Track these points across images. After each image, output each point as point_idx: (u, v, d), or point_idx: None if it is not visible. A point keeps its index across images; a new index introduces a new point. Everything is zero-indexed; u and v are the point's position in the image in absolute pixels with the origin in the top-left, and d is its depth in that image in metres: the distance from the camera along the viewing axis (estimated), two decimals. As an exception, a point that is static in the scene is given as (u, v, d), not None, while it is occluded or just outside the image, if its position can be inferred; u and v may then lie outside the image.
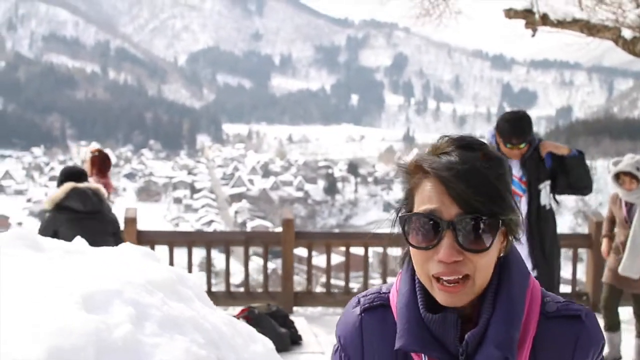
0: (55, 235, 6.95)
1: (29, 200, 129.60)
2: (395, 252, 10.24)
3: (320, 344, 7.94)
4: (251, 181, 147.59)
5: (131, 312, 3.24)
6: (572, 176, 6.17)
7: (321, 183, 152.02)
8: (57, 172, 7.49)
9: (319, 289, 11.06)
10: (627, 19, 8.98)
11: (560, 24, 9.44)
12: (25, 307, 3.06)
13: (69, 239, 6.96)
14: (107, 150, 9.23)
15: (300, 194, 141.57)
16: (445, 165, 1.64)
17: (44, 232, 7.00)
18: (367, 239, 9.83)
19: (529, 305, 1.73)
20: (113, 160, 9.63)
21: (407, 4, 12.01)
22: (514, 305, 1.69)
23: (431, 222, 1.64)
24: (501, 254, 1.72)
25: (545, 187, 6.13)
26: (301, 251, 10.80)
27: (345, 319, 1.87)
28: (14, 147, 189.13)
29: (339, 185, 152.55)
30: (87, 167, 8.37)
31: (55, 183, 7.31)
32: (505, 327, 1.66)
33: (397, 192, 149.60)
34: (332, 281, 10.33)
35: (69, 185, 7.04)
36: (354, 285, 11.96)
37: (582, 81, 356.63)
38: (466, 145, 1.68)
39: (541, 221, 6.12)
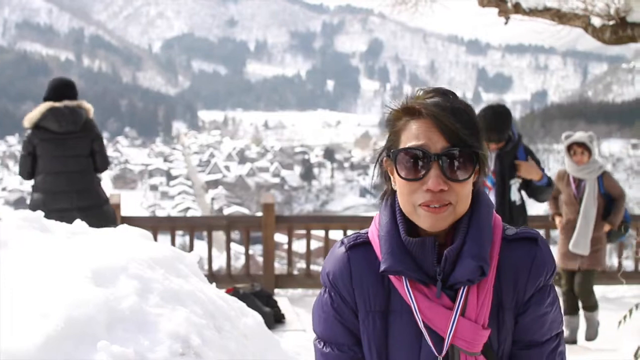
0: (33, 151, 7.11)
1: (4, 189, 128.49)
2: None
3: (302, 322, 8.21)
4: (227, 168, 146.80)
5: (136, 286, 3.52)
6: (533, 194, 6.37)
7: (297, 169, 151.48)
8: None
9: (297, 273, 11.26)
10: (596, 7, 9.20)
11: (532, 12, 9.65)
12: (40, 283, 3.33)
13: (45, 158, 7.05)
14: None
15: (276, 180, 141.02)
16: (435, 104, 1.87)
17: (24, 149, 7.15)
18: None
19: (493, 231, 1.95)
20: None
21: (384, -9, 12.20)
22: (484, 228, 1.91)
23: (420, 156, 1.85)
24: (474, 188, 1.94)
25: (515, 184, 6.17)
26: (279, 237, 10.95)
27: (333, 257, 2.05)
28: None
29: (315, 171, 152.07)
30: None
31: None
32: (478, 243, 1.87)
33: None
34: (311, 267, 10.49)
35: (45, 105, 7.09)
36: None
37: (556, 65, 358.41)
38: (445, 92, 1.92)
39: (512, 217, 6.08)
